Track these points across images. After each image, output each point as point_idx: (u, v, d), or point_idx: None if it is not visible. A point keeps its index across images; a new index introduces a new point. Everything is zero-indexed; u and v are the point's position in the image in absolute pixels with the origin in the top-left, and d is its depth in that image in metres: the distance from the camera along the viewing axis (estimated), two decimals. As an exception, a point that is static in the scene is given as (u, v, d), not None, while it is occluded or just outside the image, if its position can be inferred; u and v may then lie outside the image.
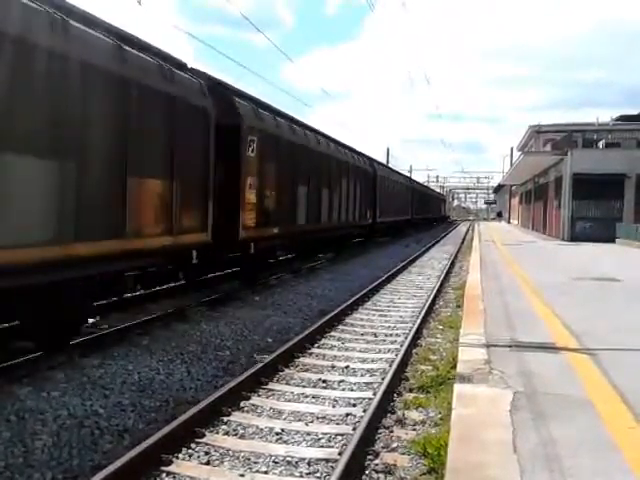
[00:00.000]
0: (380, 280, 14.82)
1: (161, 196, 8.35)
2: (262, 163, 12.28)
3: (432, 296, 12.46)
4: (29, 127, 5.90)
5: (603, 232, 26.08)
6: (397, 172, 41.99)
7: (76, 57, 6.44)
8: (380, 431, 5.20)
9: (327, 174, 17.99)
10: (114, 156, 7.34)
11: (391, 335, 9.15)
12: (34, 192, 6.00)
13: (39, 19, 5.99)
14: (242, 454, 4.70)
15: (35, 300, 6.49)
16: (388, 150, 71.18)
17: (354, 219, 22.29)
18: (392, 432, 5.20)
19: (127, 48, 7.57)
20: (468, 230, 50.99)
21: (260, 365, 6.76)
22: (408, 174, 62.25)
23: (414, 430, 5.25)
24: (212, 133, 9.84)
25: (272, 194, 13.02)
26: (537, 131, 46.02)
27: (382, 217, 28.20)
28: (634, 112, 42.71)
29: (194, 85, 9.49)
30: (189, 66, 9.85)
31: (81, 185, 6.59)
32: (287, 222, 14.16)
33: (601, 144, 32.36)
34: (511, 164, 52.27)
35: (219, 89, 10.94)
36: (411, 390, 6.37)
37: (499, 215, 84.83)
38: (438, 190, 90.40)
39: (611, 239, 25.44)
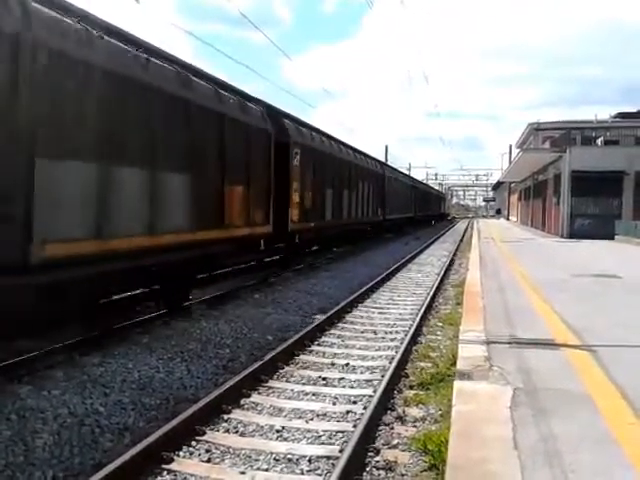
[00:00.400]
0: (380, 277, 14.82)
1: (242, 198, 11.22)
2: (302, 171, 15.37)
3: (432, 293, 12.48)
4: (181, 156, 8.84)
5: (602, 229, 26.09)
6: (402, 172, 45.67)
7: (199, 104, 9.40)
8: (381, 428, 5.21)
9: (347, 177, 21.05)
10: (217, 170, 10.12)
11: (391, 332, 9.16)
12: (179, 198, 8.79)
13: (179, 79, 8.87)
14: (243, 452, 4.70)
15: (173, 271, 9.11)
16: (387, 148, 71.13)
17: (368, 216, 25.19)
18: (393, 429, 5.21)
19: (220, 91, 10.44)
20: (467, 228, 51.02)
21: (260, 363, 6.76)
22: (407, 172, 62.58)
23: (414, 427, 5.26)
24: (272, 149, 12.74)
25: (309, 195, 16.06)
26: (536, 128, 46.08)
27: (390, 215, 31.15)
28: (632, 109, 42.79)
29: (259, 112, 12.39)
30: (254, 96, 12.84)
31: (200, 192, 9.35)
32: (319, 218, 17.28)
33: (600, 141, 32.38)
34: (510, 161, 52.27)
35: (273, 113, 13.69)
36: (411, 387, 6.38)
37: (498, 212, 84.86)
38: (437, 188, 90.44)
39: (610, 236, 25.45)
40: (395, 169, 41.23)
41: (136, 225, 7.70)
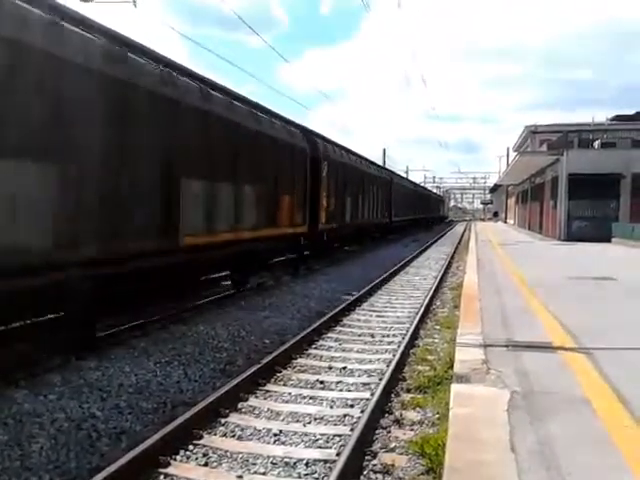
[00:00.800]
0: (377, 281, 14.83)
1: (289, 203, 14.05)
2: (329, 180, 18.30)
3: (429, 296, 12.48)
4: (251, 173, 11.67)
5: (599, 232, 26.13)
6: (406, 178, 50.83)
7: (264, 133, 12.37)
8: (378, 431, 5.21)
9: (362, 185, 24.19)
10: (272, 182, 13.02)
11: (388, 336, 9.16)
12: (251, 204, 11.82)
13: (253, 117, 12.15)
14: (240, 455, 4.69)
15: (243, 259, 12.05)
16: (384, 151, 71.05)
17: (378, 218, 28.45)
18: (390, 432, 5.21)
19: (274, 120, 13.68)
20: (465, 230, 51.06)
21: (257, 366, 6.76)
22: (405, 174, 62.94)
23: (412, 430, 5.26)
24: (308, 164, 15.83)
25: (333, 201, 18.90)
26: (533, 131, 46.16)
27: (396, 217, 34.55)
28: (629, 112, 42.88)
29: (299, 134, 15.62)
30: (294, 121, 16.18)
31: (260, 198, 12.16)
32: (340, 220, 20.29)
33: (597, 144, 32.42)
34: (507, 164, 52.37)
35: (307, 133, 16.97)
36: (409, 390, 6.38)
37: (495, 215, 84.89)
38: (435, 191, 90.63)
39: (607, 239, 25.49)
40: (402, 177, 46.18)
41: (226, 224, 10.61)
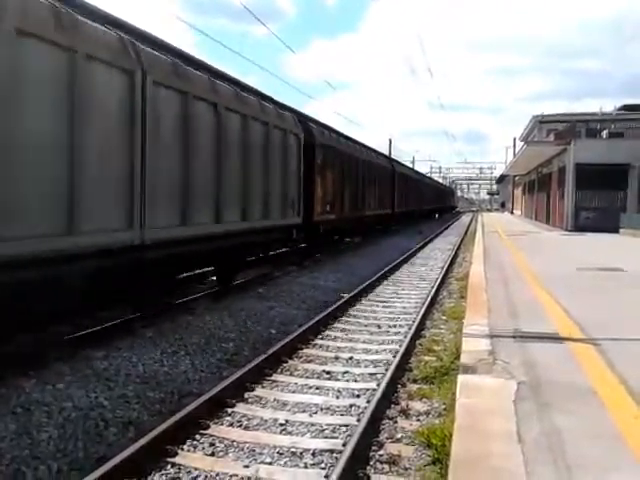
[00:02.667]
0: (383, 271, 14.82)
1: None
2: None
3: (435, 287, 12.47)
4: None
5: (606, 222, 25.95)
6: (414, 170, 53.75)
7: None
8: (384, 422, 5.21)
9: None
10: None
11: (395, 326, 9.16)
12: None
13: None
14: (247, 445, 4.72)
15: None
16: (390, 142, 70.77)
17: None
18: (396, 423, 5.21)
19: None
20: (471, 221, 50.90)
21: (264, 356, 6.77)
22: (410, 165, 63.04)
23: (418, 421, 5.26)
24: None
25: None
26: (540, 121, 45.82)
27: (399, 208, 33.09)
28: (638, 101, 42.49)
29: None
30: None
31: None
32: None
33: (605, 134, 32.16)
34: (514, 154, 52.07)
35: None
36: (415, 381, 6.38)
37: (503, 206, 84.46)
38: (441, 181, 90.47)
39: (615, 229, 25.32)
40: (409, 167, 50.16)
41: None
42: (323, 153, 16.94)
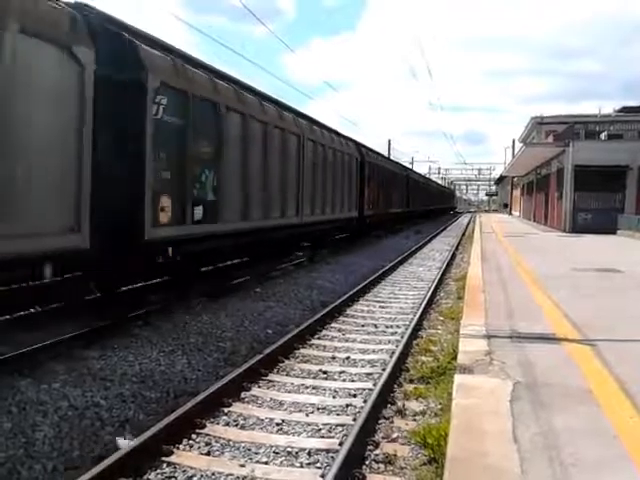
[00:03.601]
0: (381, 271, 14.82)
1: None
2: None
3: (433, 287, 12.47)
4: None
5: (604, 223, 25.98)
6: (422, 175, 61.88)
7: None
8: (380, 422, 5.21)
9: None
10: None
11: (392, 326, 9.15)
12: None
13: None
14: (243, 445, 4.71)
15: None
16: (389, 142, 70.79)
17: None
18: (392, 422, 5.21)
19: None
20: (469, 222, 50.93)
21: (260, 356, 6.77)
22: (410, 166, 63.39)
23: (414, 420, 5.26)
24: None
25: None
26: (539, 122, 45.82)
27: (411, 207, 40.95)
28: (636, 103, 42.56)
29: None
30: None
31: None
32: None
33: (603, 136, 32.20)
34: (513, 155, 52.08)
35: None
36: (411, 381, 6.38)
37: (506, 206, 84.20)
38: (439, 181, 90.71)
39: (612, 231, 25.35)
40: (418, 173, 57.01)
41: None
42: (368, 167, 23.86)
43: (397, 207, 33.33)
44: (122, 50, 7.67)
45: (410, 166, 63.60)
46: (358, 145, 23.35)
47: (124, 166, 7.46)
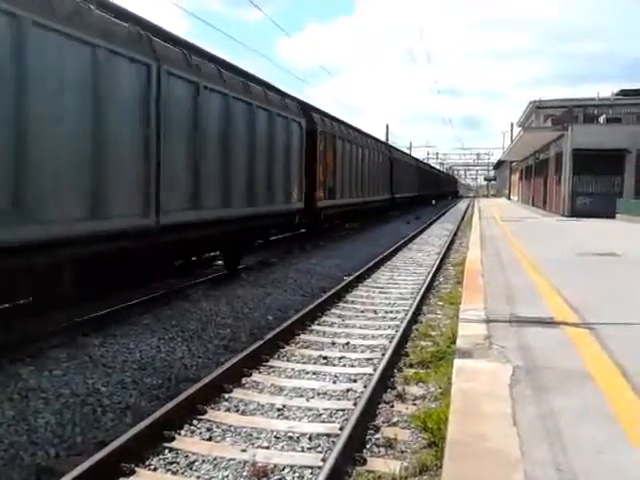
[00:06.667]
0: (380, 257, 14.83)
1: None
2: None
3: (432, 273, 12.49)
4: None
5: (603, 207, 25.99)
6: (430, 165, 70.00)
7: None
8: (381, 406, 5.24)
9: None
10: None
11: (391, 312, 9.18)
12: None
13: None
14: (244, 430, 4.74)
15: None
16: (387, 127, 70.58)
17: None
18: (393, 407, 5.24)
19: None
20: (468, 207, 50.92)
21: (261, 342, 6.79)
22: (408, 151, 63.52)
23: (414, 405, 5.29)
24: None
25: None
26: (538, 106, 45.64)
27: (422, 192, 46.52)
28: (635, 86, 42.30)
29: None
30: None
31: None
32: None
33: (602, 119, 32.12)
34: (511, 140, 51.95)
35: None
36: (411, 365, 6.40)
37: (498, 192, 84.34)
38: (438, 167, 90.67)
39: (611, 214, 25.37)
40: (425, 163, 64.64)
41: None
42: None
43: (412, 192, 37.27)
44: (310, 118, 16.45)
45: (408, 151, 63.70)
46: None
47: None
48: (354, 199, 22.34)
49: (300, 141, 14.89)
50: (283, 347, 7.04)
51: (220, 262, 12.15)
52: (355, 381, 5.93)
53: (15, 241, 5.67)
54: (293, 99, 15.83)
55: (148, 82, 7.87)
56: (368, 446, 4.48)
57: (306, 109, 16.66)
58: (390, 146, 33.56)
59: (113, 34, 7.21)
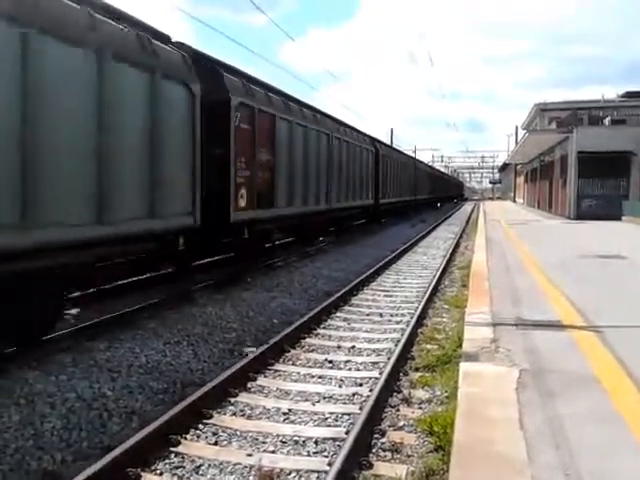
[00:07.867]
0: (385, 260, 14.81)
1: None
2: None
3: (437, 276, 12.46)
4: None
5: (609, 210, 25.91)
6: (439, 170, 74.07)
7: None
8: (387, 410, 5.23)
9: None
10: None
11: (397, 315, 9.16)
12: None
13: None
14: (250, 434, 4.73)
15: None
16: (392, 131, 70.51)
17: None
18: (399, 411, 5.22)
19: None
20: (473, 209, 50.84)
21: (266, 346, 6.78)
22: (412, 154, 63.61)
23: (420, 409, 5.27)
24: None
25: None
26: (542, 109, 45.61)
27: (433, 194, 51.24)
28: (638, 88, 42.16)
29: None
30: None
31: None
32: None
33: (607, 121, 32.02)
34: (516, 142, 51.86)
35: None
36: (417, 369, 6.39)
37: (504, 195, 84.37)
38: (442, 170, 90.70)
39: (617, 217, 25.29)
40: (435, 168, 69.90)
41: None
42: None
43: (427, 194, 42.45)
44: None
45: (413, 154, 63.84)
46: (373, 140, 25.72)
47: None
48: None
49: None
50: (288, 351, 7.04)
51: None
52: (361, 385, 5.92)
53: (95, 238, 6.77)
54: (366, 135, 19.25)
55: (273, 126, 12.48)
56: (374, 450, 4.47)
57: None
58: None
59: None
